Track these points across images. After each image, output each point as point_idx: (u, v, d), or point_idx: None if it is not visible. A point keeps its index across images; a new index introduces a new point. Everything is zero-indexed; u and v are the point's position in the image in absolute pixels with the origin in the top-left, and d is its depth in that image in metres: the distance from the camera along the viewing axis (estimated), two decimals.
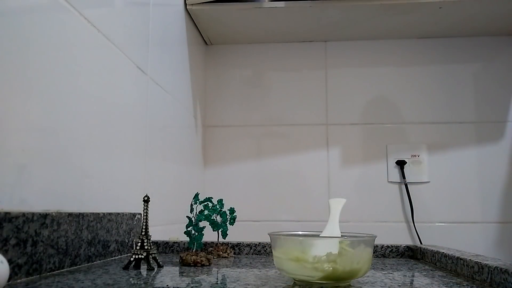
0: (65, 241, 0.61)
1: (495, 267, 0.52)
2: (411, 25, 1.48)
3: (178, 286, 0.52)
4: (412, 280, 0.63)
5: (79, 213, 0.65)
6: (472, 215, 1.48)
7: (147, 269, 0.63)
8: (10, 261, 0.49)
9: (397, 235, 1.48)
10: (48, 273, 0.57)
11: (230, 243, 0.87)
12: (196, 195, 0.76)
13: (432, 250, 0.77)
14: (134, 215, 0.85)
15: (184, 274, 0.62)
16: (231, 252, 0.84)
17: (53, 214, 0.59)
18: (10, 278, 0.49)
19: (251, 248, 0.88)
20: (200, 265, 0.69)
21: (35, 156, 0.59)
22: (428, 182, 1.52)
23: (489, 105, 1.54)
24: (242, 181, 1.56)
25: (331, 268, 0.50)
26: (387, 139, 1.55)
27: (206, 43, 1.61)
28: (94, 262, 0.69)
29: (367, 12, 1.37)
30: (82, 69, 0.71)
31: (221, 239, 0.82)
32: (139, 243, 0.64)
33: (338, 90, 1.59)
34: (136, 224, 0.86)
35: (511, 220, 1.48)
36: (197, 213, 0.75)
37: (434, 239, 1.43)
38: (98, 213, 0.71)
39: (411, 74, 1.58)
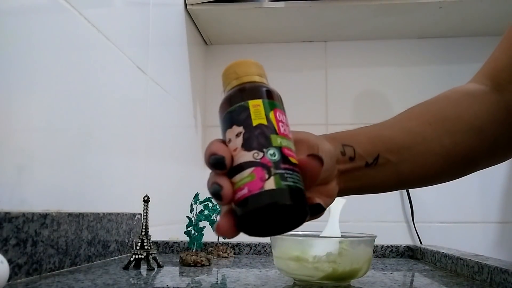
0: (65, 241, 0.61)
1: (495, 267, 0.52)
2: (411, 25, 1.48)
3: (178, 286, 0.52)
4: (412, 280, 0.63)
5: (79, 213, 0.65)
6: (472, 215, 1.48)
7: (147, 269, 0.63)
8: (10, 261, 0.49)
9: (397, 235, 1.48)
10: (48, 273, 0.57)
11: (230, 243, 0.87)
12: (196, 195, 0.76)
13: (432, 250, 0.77)
14: (134, 215, 0.85)
15: (184, 274, 0.62)
16: (231, 252, 0.84)
17: (53, 214, 0.59)
18: (10, 278, 0.49)
19: (251, 248, 0.88)
20: (200, 265, 0.69)
21: (35, 156, 0.59)
22: None
23: None
24: None
25: (331, 268, 0.50)
26: None
27: (206, 43, 1.61)
28: (94, 262, 0.69)
29: (367, 12, 1.36)
30: (82, 69, 0.71)
31: (221, 239, 0.82)
32: (139, 243, 0.64)
33: (338, 90, 1.59)
34: (136, 224, 0.86)
35: (511, 220, 1.48)
36: (197, 213, 0.75)
37: (434, 239, 1.43)
38: (98, 213, 0.71)
39: (411, 74, 1.58)
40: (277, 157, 0.32)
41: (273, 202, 0.31)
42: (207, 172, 0.36)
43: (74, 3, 0.68)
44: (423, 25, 1.47)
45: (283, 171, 0.31)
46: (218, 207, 0.80)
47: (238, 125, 0.34)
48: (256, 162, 0.31)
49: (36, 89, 0.59)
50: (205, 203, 0.78)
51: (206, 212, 0.77)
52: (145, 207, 0.65)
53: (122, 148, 0.86)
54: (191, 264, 0.68)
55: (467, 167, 0.49)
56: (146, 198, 0.65)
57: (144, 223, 0.65)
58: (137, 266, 0.65)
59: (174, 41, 1.23)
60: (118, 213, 0.78)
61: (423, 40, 1.58)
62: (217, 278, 0.60)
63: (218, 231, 0.33)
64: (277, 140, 0.32)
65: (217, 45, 1.64)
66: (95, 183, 0.75)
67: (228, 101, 0.36)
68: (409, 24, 1.47)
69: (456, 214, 1.49)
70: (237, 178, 0.32)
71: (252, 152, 0.32)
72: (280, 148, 0.32)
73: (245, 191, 0.31)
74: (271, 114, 0.34)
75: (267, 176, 0.31)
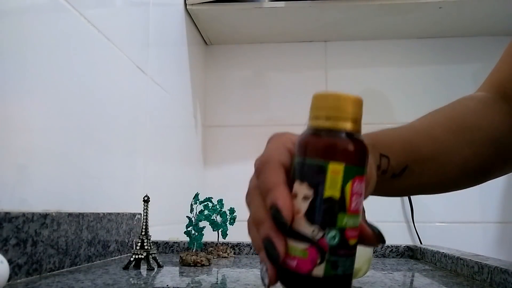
0: (65, 241, 0.61)
1: (495, 267, 0.52)
2: (411, 25, 1.48)
3: (178, 286, 0.52)
4: (412, 280, 0.63)
5: (79, 213, 0.65)
6: (472, 215, 1.48)
7: (147, 269, 0.63)
8: (10, 261, 0.49)
9: (397, 235, 1.48)
10: (48, 273, 0.57)
11: (230, 243, 0.87)
12: (196, 195, 0.76)
13: (432, 250, 0.77)
14: (134, 215, 0.85)
15: (184, 274, 0.62)
16: (231, 252, 0.84)
17: (53, 214, 0.59)
18: (10, 278, 0.49)
19: (251, 248, 0.88)
20: (200, 265, 0.69)
21: (35, 156, 0.59)
22: None
23: None
24: (242, 181, 1.54)
25: None
26: None
27: (206, 43, 1.61)
28: (94, 262, 0.69)
29: (367, 12, 1.36)
30: (82, 69, 0.71)
31: (221, 239, 0.82)
32: (139, 243, 0.64)
33: (338, 90, 1.59)
34: (136, 224, 0.86)
35: (511, 220, 1.48)
36: (197, 213, 0.75)
37: (434, 239, 1.43)
38: (98, 213, 0.71)
39: (411, 74, 1.58)
40: (336, 241, 0.29)
41: None
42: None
43: (74, 3, 0.68)
44: (423, 25, 1.47)
45: (336, 258, 0.29)
46: (218, 207, 0.80)
47: (309, 187, 0.30)
48: (313, 241, 0.29)
49: (36, 89, 0.59)
50: (205, 203, 0.78)
51: (206, 212, 0.77)
52: (145, 207, 0.65)
53: (122, 148, 0.86)
54: (191, 264, 0.68)
55: (481, 177, 0.50)
56: (146, 198, 0.65)
57: (144, 223, 0.65)
58: (137, 266, 0.65)
59: (174, 41, 1.23)
60: (118, 213, 0.78)
61: (423, 40, 1.58)
62: (217, 278, 0.60)
63: (271, 283, 0.31)
64: (343, 221, 0.29)
65: (217, 45, 1.64)
66: (95, 183, 0.75)
67: (309, 146, 0.30)
68: (409, 24, 1.47)
69: (456, 214, 1.49)
70: (291, 243, 0.30)
71: (312, 228, 0.29)
72: (343, 230, 0.29)
73: (293, 263, 0.30)
74: (348, 186, 0.29)
75: (319, 261, 0.29)
